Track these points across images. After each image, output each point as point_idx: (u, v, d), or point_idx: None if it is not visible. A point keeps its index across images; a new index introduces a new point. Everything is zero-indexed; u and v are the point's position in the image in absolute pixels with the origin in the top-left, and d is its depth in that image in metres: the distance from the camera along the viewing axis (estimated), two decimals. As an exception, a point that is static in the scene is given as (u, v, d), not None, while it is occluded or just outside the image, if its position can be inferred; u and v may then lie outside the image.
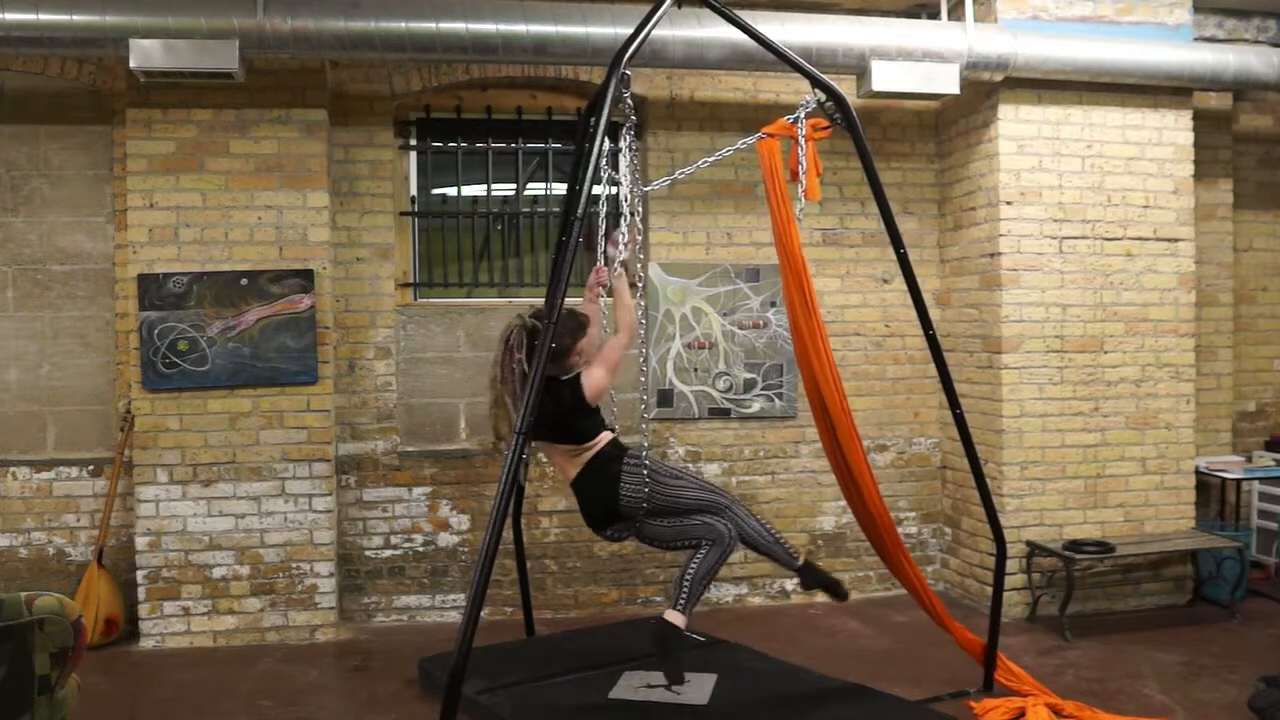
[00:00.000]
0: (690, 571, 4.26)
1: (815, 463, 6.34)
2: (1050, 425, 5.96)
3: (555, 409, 4.25)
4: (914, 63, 5.65)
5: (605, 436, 4.44)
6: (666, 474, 4.42)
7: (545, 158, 6.39)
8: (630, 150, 4.50)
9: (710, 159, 4.77)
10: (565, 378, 4.35)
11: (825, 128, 4.48)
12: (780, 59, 4.47)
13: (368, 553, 6.01)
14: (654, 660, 4.37)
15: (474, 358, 6.17)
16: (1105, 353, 6.04)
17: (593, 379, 4.33)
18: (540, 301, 4.41)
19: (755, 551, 4.58)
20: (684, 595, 4.24)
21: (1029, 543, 5.86)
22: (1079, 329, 6.00)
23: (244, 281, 5.58)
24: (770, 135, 4.45)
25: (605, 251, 4.57)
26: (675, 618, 4.21)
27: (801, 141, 4.41)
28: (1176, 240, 6.12)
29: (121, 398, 5.81)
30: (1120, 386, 6.06)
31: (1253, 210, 6.89)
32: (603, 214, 4.62)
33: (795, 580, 4.72)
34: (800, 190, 4.43)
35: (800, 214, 4.41)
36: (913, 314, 4.66)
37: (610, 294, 4.58)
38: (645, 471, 4.30)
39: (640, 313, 4.75)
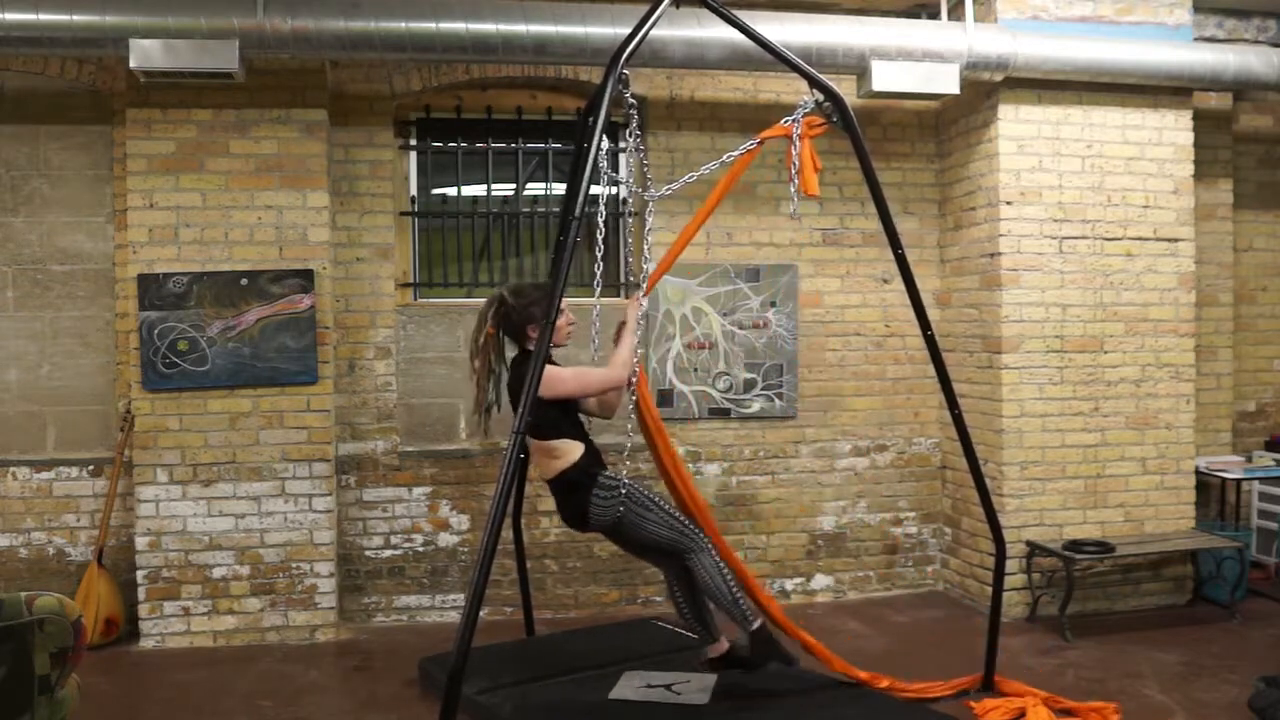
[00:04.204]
0: (711, 596, 4.25)
1: (815, 463, 6.35)
2: (1050, 425, 5.96)
3: (516, 385, 4.30)
4: (914, 63, 5.65)
5: (573, 449, 4.25)
6: (640, 503, 4.20)
7: (545, 158, 6.39)
8: (637, 151, 4.49)
9: (716, 163, 4.75)
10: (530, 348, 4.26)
11: (821, 124, 4.47)
12: (778, 59, 4.46)
13: (368, 553, 6.01)
14: (655, 660, 4.37)
15: (474, 358, 6.17)
16: (1105, 353, 6.04)
17: (555, 375, 4.13)
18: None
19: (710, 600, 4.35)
20: (735, 614, 4.22)
21: (1029, 543, 5.86)
22: (1079, 329, 6.00)
23: (244, 281, 5.58)
24: (767, 139, 4.45)
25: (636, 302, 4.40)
26: (754, 632, 4.25)
27: (795, 140, 4.39)
28: (1176, 240, 6.12)
29: (121, 398, 5.81)
30: (1120, 386, 6.06)
31: (1253, 210, 6.89)
32: (624, 211, 4.55)
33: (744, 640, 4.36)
34: (794, 187, 4.42)
35: (795, 212, 4.41)
36: (913, 314, 4.65)
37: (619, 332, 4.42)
38: (621, 497, 4.17)
39: (640, 332, 4.42)
